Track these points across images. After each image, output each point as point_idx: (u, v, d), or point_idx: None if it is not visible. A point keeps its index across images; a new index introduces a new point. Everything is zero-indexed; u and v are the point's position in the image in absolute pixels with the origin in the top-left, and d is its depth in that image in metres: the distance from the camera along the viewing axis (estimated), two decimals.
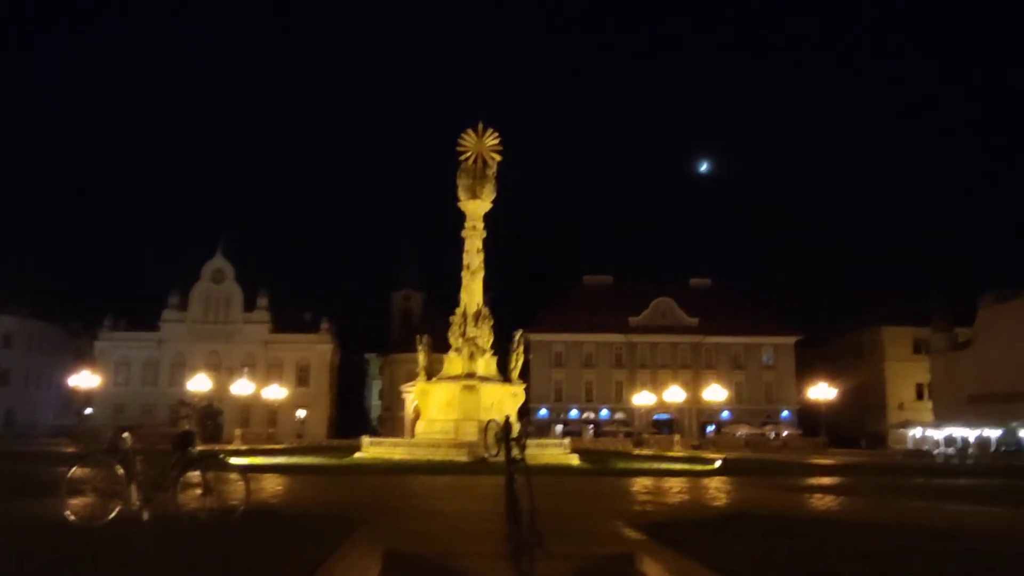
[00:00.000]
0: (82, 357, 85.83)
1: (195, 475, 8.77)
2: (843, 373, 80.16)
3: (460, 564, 6.39)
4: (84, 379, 63.95)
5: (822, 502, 13.33)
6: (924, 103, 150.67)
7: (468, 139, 32.86)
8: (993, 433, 60.82)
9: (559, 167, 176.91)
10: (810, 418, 72.53)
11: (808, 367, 78.02)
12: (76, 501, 8.42)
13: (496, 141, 32.95)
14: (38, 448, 40.07)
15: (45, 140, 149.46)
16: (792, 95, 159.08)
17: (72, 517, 8.15)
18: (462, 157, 32.92)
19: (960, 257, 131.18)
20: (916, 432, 69.95)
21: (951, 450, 61.04)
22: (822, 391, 62.19)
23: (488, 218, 33.74)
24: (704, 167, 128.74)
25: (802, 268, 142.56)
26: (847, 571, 6.02)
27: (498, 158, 33.02)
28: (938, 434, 66.68)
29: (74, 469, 8.57)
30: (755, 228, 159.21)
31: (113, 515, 8.22)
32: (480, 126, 33.05)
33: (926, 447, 65.20)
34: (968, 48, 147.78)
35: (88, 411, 78.65)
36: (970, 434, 63.55)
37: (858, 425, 75.52)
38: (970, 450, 58.80)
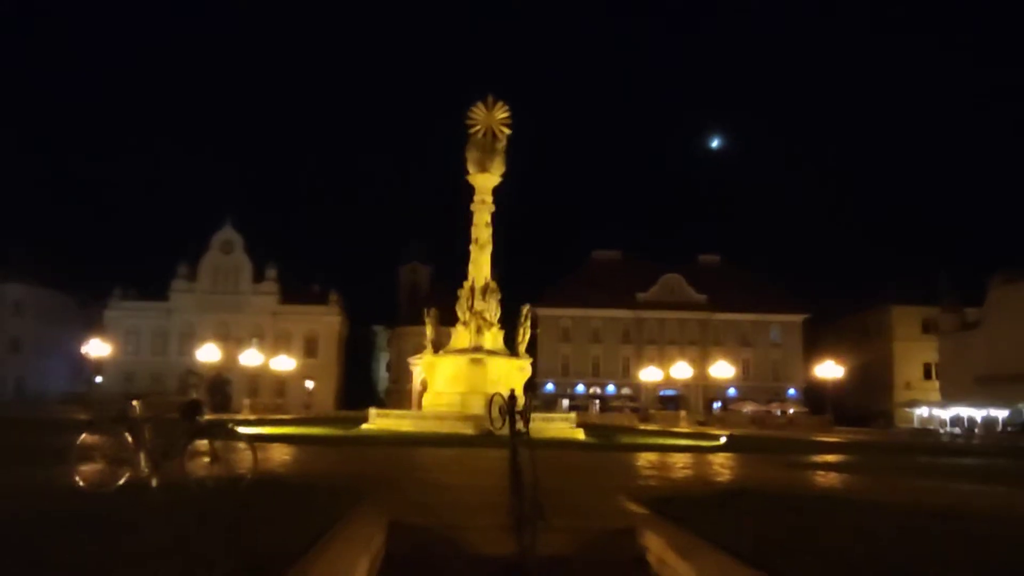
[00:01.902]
0: (92, 326, 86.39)
1: (203, 444, 8.83)
2: (851, 352, 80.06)
3: (463, 536, 6.44)
4: (95, 347, 64.20)
5: (826, 480, 13.31)
6: (935, 80, 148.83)
7: (478, 112, 32.59)
8: (1000, 413, 60.83)
9: (569, 141, 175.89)
10: (817, 396, 72.62)
11: (816, 345, 78.03)
12: (86, 468, 8.46)
13: (506, 114, 32.67)
14: (49, 416, 40.45)
15: (55, 109, 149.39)
16: (804, 71, 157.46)
17: (82, 483, 8.20)
18: (472, 130, 32.69)
19: (971, 237, 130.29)
20: (923, 411, 70.03)
21: (957, 430, 61.13)
22: (829, 369, 62.12)
23: (497, 192, 33.54)
24: (715, 143, 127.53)
25: (812, 246, 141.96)
26: (847, 548, 6.02)
27: (508, 131, 32.76)
28: (945, 414, 66.74)
29: (83, 436, 8.62)
30: (766, 206, 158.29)
31: (122, 482, 8.29)
32: (490, 99, 32.77)
33: (932, 426, 65.37)
34: (974, 18, 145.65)
35: (98, 379, 79.24)
36: (977, 414, 63.59)
37: (865, 403, 75.53)
38: (976, 430, 58.86)
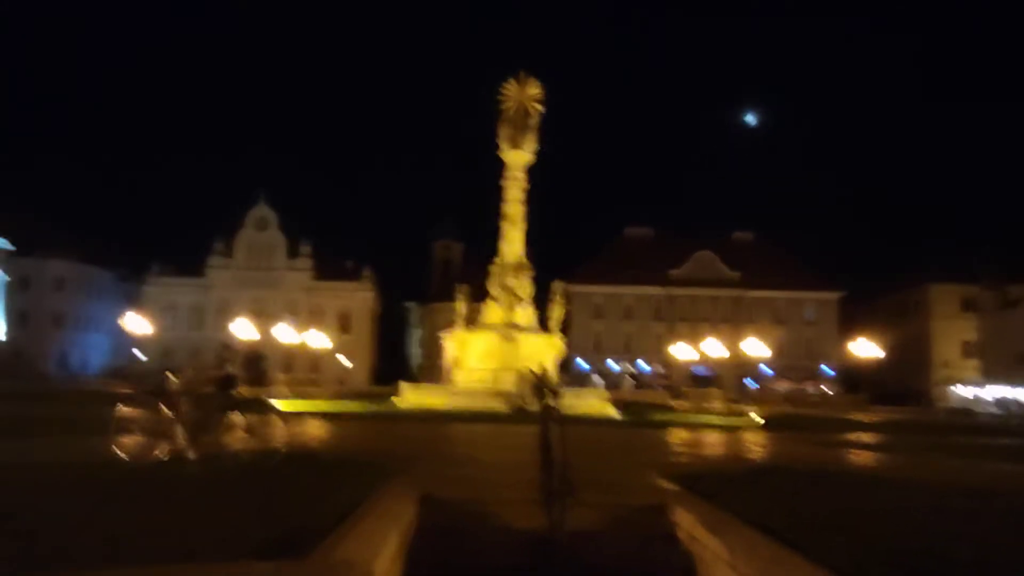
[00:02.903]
0: (131, 301, 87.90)
1: (239, 417, 9.10)
2: (888, 330, 78.74)
3: (493, 510, 6.46)
4: (133, 323, 65.13)
5: (859, 458, 13.20)
6: (976, 50, 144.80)
7: (510, 88, 32.55)
8: None
9: (603, 118, 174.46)
10: (852, 375, 71.70)
11: (851, 323, 76.82)
12: (125, 440, 8.69)
13: (538, 91, 32.58)
14: (91, 389, 41.36)
15: (96, 88, 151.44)
16: (842, 45, 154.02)
17: (121, 455, 8.40)
18: (504, 106, 32.64)
19: (1013, 213, 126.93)
20: (961, 390, 68.93)
21: (997, 409, 60.08)
22: (864, 348, 61.14)
23: (530, 169, 33.47)
24: (750, 118, 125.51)
25: (848, 223, 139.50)
26: (879, 527, 5.97)
27: (540, 108, 32.67)
28: (984, 393, 65.66)
29: (121, 409, 8.89)
30: (801, 182, 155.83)
31: (159, 453, 8.51)
32: (522, 75, 32.65)
33: (971, 406, 64.32)
34: None
35: (138, 354, 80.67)
36: (1018, 394, 62.45)
37: (902, 383, 74.38)
38: (1015, 409, 57.83)
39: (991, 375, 66.58)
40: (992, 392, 64.96)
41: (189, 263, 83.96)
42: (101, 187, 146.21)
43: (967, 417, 50.17)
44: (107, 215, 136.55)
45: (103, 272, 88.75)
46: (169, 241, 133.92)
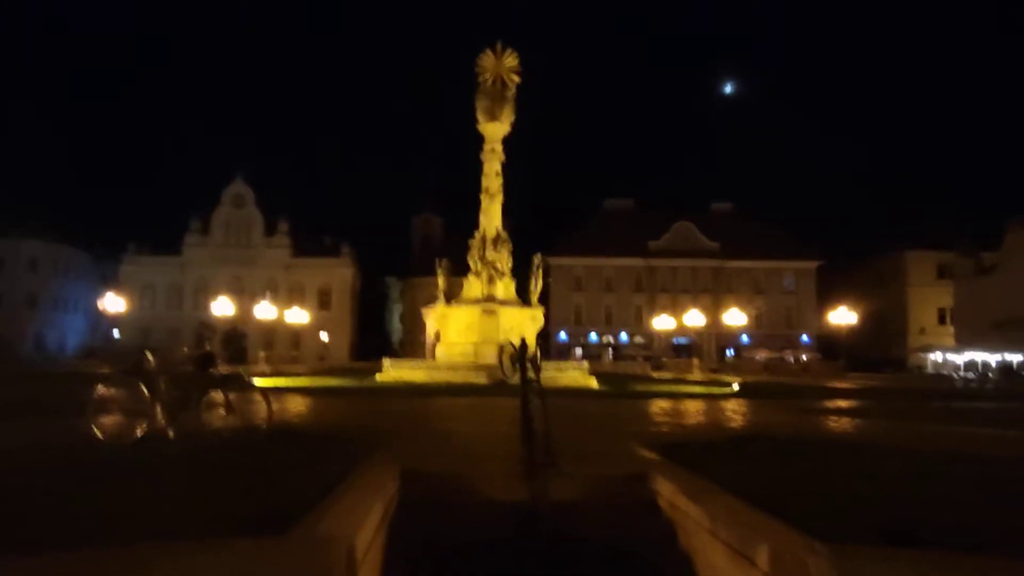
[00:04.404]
0: (107, 281, 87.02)
1: (218, 395, 8.96)
2: (865, 298, 79.62)
3: (474, 483, 6.48)
4: (110, 302, 64.43)
5: (838, 425, 13.18)
6: (947, 21, 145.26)
7: (487, 60, 32.16)
8: (1015, 357, 60.65)
9: (581, 90, 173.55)
10: (830, 343, 72.49)
11: (830, 292, 77.58)
12: (103, 420, 8.63)
13: (515, 62, 32.24)
14: (67, 370, 40.79)
15: (69, 65, 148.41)
16: (816, 14, 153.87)
17: (99, 435, 8.32)
18: (481, 78, 32.31)
19: (987, 180, 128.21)
20: (937, 356, 69.88)
21: (971, 374, 60.99)
22: (842, 316, 61.77)
23: (508, 141, 33.22)
24: (728, 89, 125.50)
25: (825, 193, 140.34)
26: (859, 492, 6.02)
27: (517, 79, 32.36)
28: (959, 358, 66.58)
29: (99, 389, 8.80)
30: (779, 153, 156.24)
31: (139, 433, 8.41)
32: (499, 46, 32.30)
33: (946, 371, 65.24)
34: None
35: (116, 334, 79.97)
36: (992, 359, 63.41)
37: (879, 350, 75.37)
38: (991, 374, 58.73)
39: (966, 341, 67.49)
40: (966, 357, 65.87)
41: (166, 242, 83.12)
42: (75, 166, 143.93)
43: (943, 382, 50.86)
44: (82, 194, 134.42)
45: (78, 252, 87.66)
46: (145, 220, 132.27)
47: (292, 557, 3.82)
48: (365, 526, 4.68)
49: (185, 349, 9.55)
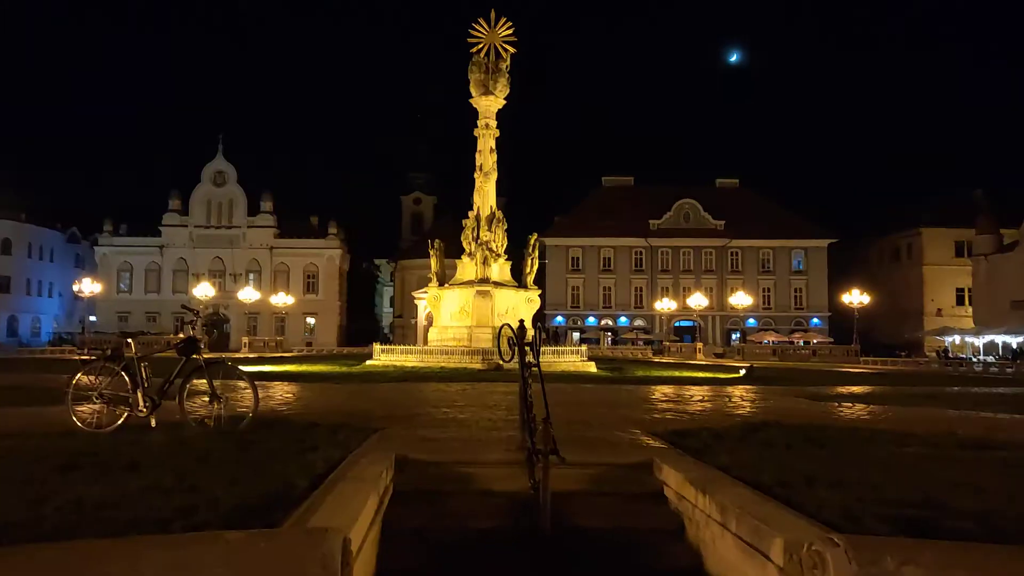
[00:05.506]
0: (83, 263, 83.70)
1: (202, 382, 8.71)
2: (879, 278, 76.67)
3: (472, 471, 6.42)
4: (86, 286, 61.96)
5: (850, 411, 12.70)
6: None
7: (480, 30, 31.42)
8: None
9: (579, 63, 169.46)
10: (842, 326, 69.31)
11: (842, 272, 74.41)
12: (83, 408, 8.53)
13: (510, 31, 31.53)
14: (43, 356, 39.44)
15: (41, 40, 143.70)
16: None
17: (80, 423, 8.26)
18: (474, 49, 31.68)
19: (1007, 154, 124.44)
20: (955, 339, 67.02)
21: (991, 357, 58.46)
22: (855, 297, 58.80)
23: (503, 117, 32.77)
24: (734, 58, 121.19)
25: (838, 168, 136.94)
26: (872, 481, 5.60)
27: (512, 50, 31.83)
28: (978, 341, 63.85)
29: (78, 376, 8.60)
30: (788, 126, 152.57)
31: (120, 422, 8.31)
32: (492, 15, 31.42)
33: (964, 355, 62.51)
34: None
35: (92, 319, 76.88)
36: (1012, 341, 60.77)
37: (894, 333, 72.17)
38: (1012, 357, 56.15)
39: (984, 322, 64.55)
40: (985, 340, 63.20)
41: (143, 222, 79.60)
42: (48, 144, 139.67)
43: (960, 366, 48.47)
44: (56, 174, 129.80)
45: (53, 233, 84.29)
46: (122, 199, 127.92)
47: (286, 549, 3.59)
48: (360, 517, 4.57)
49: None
